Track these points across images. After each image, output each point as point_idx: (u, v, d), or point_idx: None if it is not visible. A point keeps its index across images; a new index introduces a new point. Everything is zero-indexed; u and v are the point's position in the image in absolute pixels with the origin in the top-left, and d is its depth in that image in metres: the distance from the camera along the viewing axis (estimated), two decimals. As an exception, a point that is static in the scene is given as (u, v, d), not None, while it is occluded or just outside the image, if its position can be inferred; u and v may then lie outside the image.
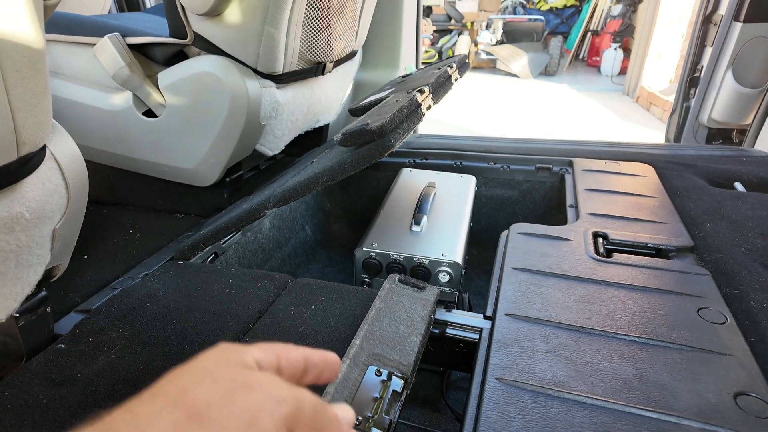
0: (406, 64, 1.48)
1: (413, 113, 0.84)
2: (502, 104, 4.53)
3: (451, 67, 1.13)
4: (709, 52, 1.53)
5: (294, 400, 0.23)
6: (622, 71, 5.44)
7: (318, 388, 0.54)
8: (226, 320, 0.68)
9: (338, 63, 1.19)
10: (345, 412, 0.29)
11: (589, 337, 0.64)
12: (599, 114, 4.15)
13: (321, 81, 1.14)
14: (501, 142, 1.49)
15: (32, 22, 0.49)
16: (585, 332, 0.65)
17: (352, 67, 1.31)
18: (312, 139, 1.33)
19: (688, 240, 0.87)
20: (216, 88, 0.91)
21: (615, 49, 5.56)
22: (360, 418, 0.49)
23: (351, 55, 1.26)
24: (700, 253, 0.86)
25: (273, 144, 1.10)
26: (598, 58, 5.82)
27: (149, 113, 0.98)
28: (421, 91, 0.87)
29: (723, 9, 1.45)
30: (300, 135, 1.25)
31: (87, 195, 0.64)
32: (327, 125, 1.37)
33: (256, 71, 0.95)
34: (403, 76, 1.37)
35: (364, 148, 0.73)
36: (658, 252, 0.86)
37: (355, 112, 1.07)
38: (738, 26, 1.40)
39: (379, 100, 1.02)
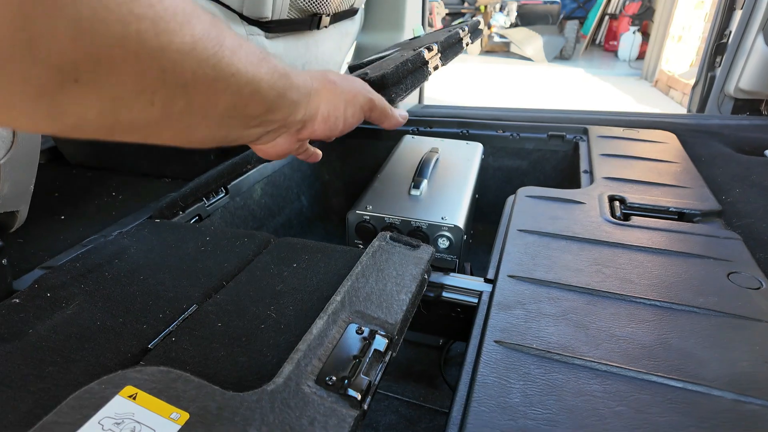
0: (412, 27, 1.40)
1: (419, 70, 0.76)
2: (514, 88, 4.41)
3: (463, 30, 1.05)
4: (738, 16, 1.43)
5: (377, 98, 0.48)
6: (640, 56, 5.26)
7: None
8: (198, 278, 0.62)
9: (336, 19, 1.11)
10: (403, 112, 0.59)
11: (603, 301, 0.56)
12: (616, 98, 4.02)
13: (317, 37, 1.06)
14: (511, 112, 1.40)
15: None
16: (598, 295, 0.57)
17: (352, 27, 1.23)
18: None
19: (715, 204, 0.79)
20: (198, 34, 0.84)
21: (633, 32, 5.37)
22: (334, 378, 0.42)
23: (351, 13, 1.17)
24: (728, 218, 0.77)
25: (264, 102, 1.02)
26: (615, 43, 5.64)
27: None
28: (429, 48, 0.79)
29: (755, -32, 1.34)
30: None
31: (40, 135, 0.58)
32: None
33: (242, 17, 0.88)
34: (411, 39, 1.29)
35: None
36: (681, 216, 0.78)
37: (355, 69, 0.99)
38: (771, -14, 1.30)
39: (382, 57, 0.95)
